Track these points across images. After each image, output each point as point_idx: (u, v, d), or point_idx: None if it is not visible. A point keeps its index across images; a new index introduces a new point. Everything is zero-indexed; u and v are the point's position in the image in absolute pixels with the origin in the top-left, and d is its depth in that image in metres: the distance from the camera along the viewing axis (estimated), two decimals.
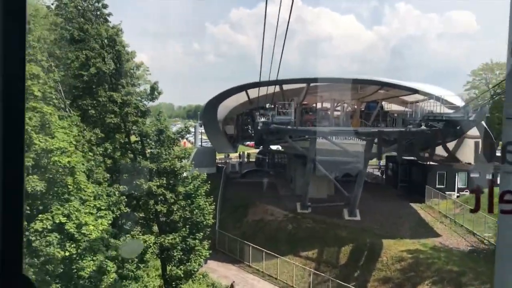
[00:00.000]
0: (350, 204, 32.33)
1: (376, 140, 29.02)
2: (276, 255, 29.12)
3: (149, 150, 23.47)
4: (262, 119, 29.00)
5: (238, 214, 36.93)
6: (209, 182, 46.11)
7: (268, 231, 32.76)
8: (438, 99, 24.93)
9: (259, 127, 29.65)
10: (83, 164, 18.49)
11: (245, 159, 59.76)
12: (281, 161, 50.95)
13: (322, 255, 28.82)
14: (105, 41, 22.30)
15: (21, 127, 2.08)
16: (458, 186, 37.68)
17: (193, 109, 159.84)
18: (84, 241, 17.15)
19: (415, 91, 28.88)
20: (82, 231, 16.94)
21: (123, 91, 22.37)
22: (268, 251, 29.40)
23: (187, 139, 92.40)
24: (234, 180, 47.40)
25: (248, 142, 59.01)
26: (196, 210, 23.57)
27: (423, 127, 25.72)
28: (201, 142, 58.36)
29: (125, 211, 21.68)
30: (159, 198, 22.90)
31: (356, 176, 47.57)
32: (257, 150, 60.56)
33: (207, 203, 23.96)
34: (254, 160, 58.06)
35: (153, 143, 23.26)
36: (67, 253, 16.50)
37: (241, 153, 59.62)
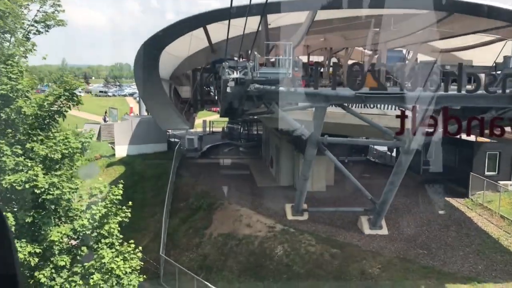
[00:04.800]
0: (376, 212, 20.20)
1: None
2: None
3: None
4: (235, 74, 15.97)
5: (196, 222, 24.27)
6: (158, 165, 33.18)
7: (244, 257, 20.31)
8: None
9: (229, 89, 16.63)
10: None
11: (208, 130, 46.77)
12: (259, 132, 38.15)
13: None
14: None
15: None
16: None
17: None
18: None
19: None
20: None
21: None
22: None
23: (135, 98, 77.51)
24: (191, 161, 34.46)
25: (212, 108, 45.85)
26: None
27: None
28: None
29: None
30: None
31: (365, 154, 35.78)
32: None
33: None
34: (220, 130, 45.09)
35: None
36: None
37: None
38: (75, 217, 11.02)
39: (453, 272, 17.10)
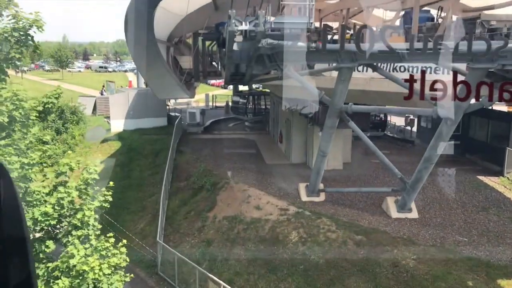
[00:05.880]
0: (406, 193, 17.43)
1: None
2: None
3: None
4: (243, 26, 13.02)
5: (198, 203, 21.65)
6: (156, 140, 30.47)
7: (253, 243, 17.68)
8: None
9: (235, 46, 13.69)
10: None
11: (211, 104, 43.85)
12: (266, 107, 35.24)
13: None
14: None
15: None
16: None
17: None
18: None
19: None
20: None
21: None
22: None
23: (135, 73, 74.85)
24: (193, 137, 31.77)
25: (213, 81, 42.92)
26: None
27: None
28: None
29: None
30: None
31: (382, 129, 32.73)
32: (227, 91, 45.12)
33: None
34: (224, 105, 42.14)
35: None
36: None
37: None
38: (35, 203, 8.34)
39: (503, 264, 14.42)
